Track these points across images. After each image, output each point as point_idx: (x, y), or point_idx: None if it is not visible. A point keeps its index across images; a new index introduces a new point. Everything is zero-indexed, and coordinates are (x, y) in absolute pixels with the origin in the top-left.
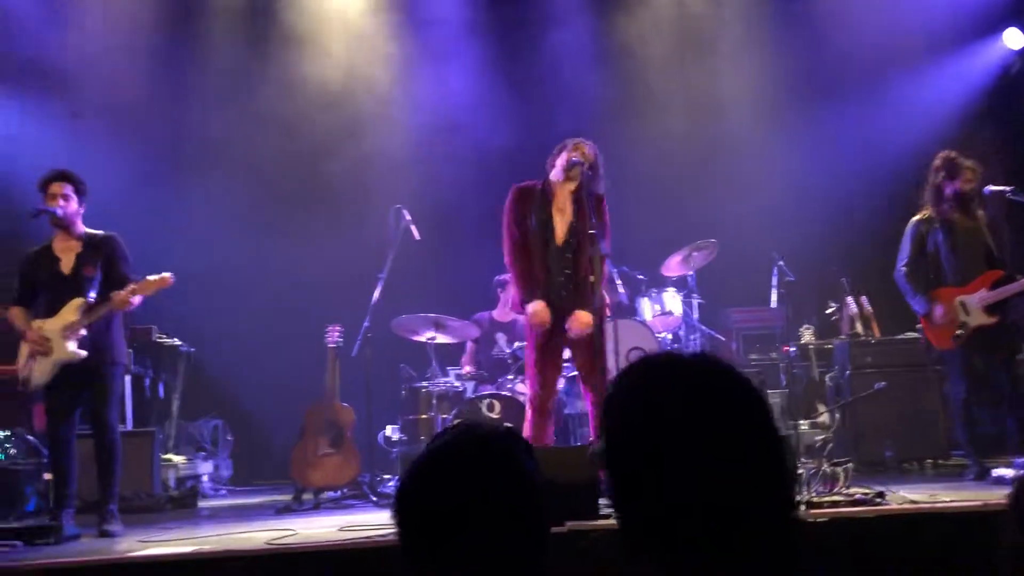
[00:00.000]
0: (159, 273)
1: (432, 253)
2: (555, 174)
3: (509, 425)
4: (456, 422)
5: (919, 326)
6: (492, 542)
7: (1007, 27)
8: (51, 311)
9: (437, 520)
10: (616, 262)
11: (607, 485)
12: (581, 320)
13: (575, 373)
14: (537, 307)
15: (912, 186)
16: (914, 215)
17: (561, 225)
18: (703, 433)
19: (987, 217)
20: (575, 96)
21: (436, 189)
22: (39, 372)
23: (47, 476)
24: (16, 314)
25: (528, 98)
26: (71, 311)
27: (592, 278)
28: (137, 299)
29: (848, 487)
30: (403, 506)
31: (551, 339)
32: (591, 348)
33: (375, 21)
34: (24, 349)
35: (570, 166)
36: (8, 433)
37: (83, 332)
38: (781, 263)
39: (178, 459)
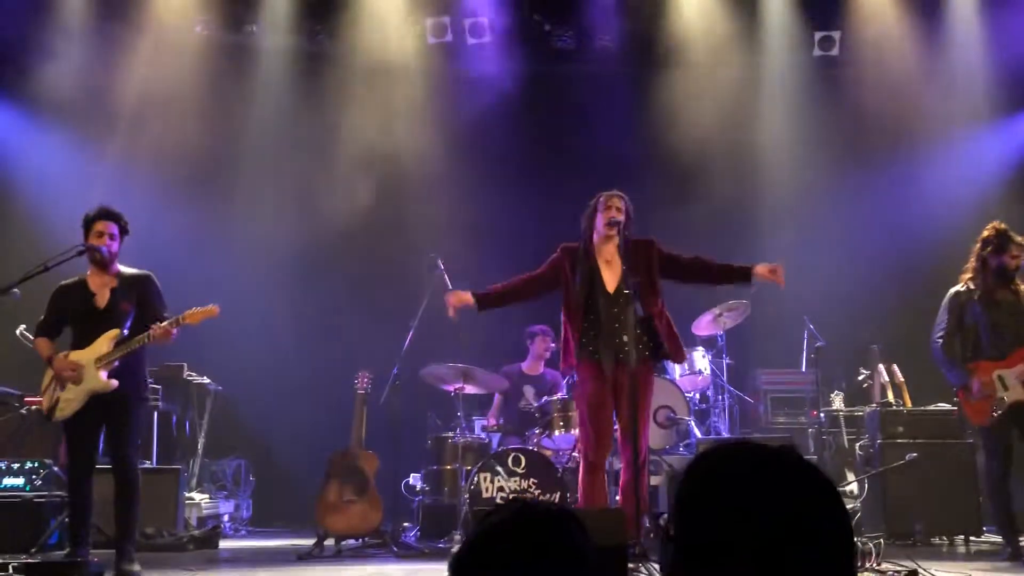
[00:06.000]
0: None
1: None
2: (597, 234)
3: (561, 504)
4: (511, 498)
5: (956, 399)
6: None
7: None
8: (82, 343)
9: None
10: None
11: (668, 556)
12: None
13: None
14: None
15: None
16: (952, 285)
17: (610, 277)
18: (778, 526)
19: None
20: (613, 155)
21: (471, 239)
22: (66, 402)
23: None
24: (41, 343)
25: (564, 156)
26: (105, 342)
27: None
28: (176, 331)
29: (880, 563)
30: None
31: (601, 392)
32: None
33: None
34: (48, 377)
35: (610, 225)
36: (36, 464)
37: (115, 363)
38: (811, 327)
39: (201, 498)
